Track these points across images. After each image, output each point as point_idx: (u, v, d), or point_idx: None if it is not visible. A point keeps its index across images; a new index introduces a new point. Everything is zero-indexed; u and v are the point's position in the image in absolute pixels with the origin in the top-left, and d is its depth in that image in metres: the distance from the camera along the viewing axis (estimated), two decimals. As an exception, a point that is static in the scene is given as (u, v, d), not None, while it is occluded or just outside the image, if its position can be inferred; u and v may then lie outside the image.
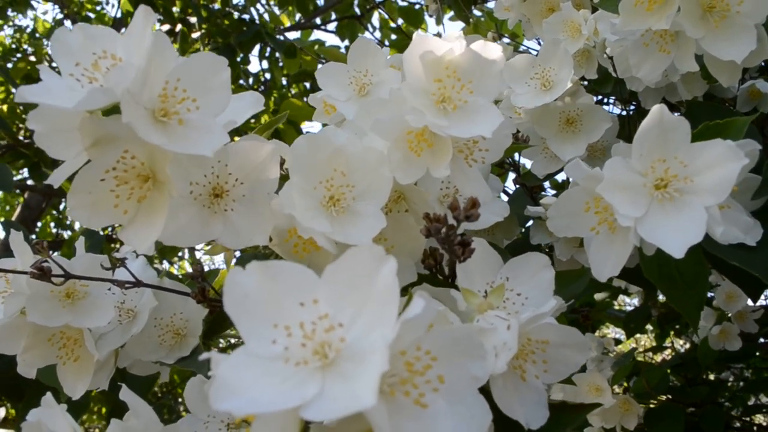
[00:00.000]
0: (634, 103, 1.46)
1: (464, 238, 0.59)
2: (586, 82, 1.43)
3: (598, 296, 2.36)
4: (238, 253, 0.95)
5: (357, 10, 4.65)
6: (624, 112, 1.46)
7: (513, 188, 1.41)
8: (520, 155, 1.29)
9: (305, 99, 1.08)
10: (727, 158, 0.66)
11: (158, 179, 0.66)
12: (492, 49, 0.67)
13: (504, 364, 0.56)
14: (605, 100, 1.75)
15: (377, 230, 0.68)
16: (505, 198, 1.47)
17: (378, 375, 0.39)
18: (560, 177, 1.74)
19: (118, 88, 0.58)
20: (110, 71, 0.58)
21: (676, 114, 0.74)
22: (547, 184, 2.02)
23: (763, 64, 1.39)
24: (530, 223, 1.23)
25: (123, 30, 0.69)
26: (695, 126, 0.83)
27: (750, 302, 1.77)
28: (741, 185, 0.84)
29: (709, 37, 0.89)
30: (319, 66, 1.04)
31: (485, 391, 0.59)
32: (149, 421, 0.73)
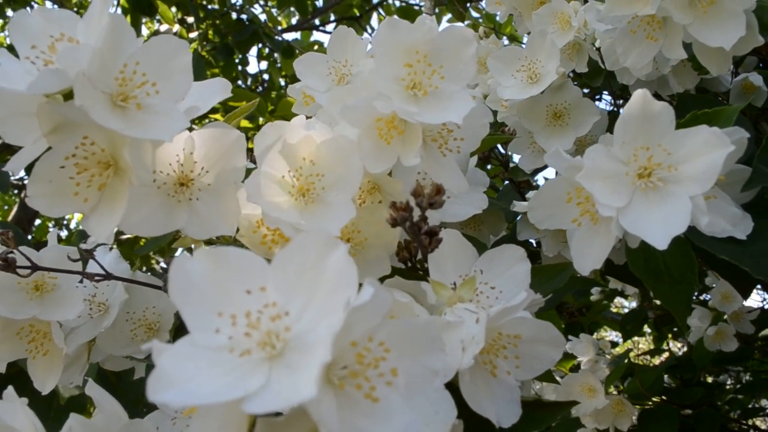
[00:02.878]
0: (625, 97, 1.43)
1: (431, 228, 0.57)
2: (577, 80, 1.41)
3: (594, 297, 2.33)
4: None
5: (356, 11, 4.64)
6: (615, 108, 1.44)
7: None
8: (505, 149, 1.27)
9: (288, 87, 1.06)
10: (713, 145, 0.64)
11: (119, 166, 0.64)
12: (464, 34, 0.65)
13: (470, 358, 0.54)
14: (597, 96, 1.73)
15: (347, 220, 0.65)
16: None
17: (319, 366, 0.37)
18: (551, 174, 1.71)
19: (72, 69, 0.56)
20: (63, 52, 0.56)
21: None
22: (541, 182, 2.00)
23: (761, 64, 1.37)
24: (518, 218, 1.20)
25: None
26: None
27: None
28: (730, 177, 0.81)
29: (697, 23, 0.86)
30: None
31: (454, 387, 0.57)
32: (113, 415, 0.71)
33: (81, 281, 0.86)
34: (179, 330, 0.86)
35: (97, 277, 0.82)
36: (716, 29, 0.84)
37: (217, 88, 0.69)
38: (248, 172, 0.69)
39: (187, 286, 0.45)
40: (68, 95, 0.63)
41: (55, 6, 5.26)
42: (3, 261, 0.75)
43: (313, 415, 0.39)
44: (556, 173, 0.77)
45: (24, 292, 0.80)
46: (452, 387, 0.54)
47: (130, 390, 1.13)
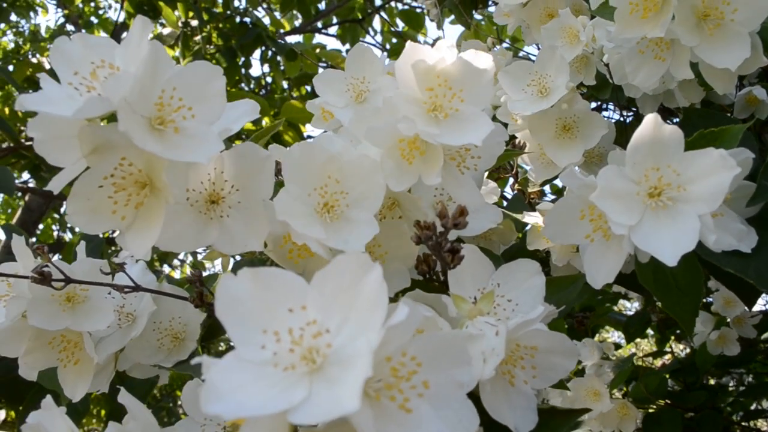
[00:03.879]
0: (632, 109, 1.46)
1: (453, 245, 0.60)
2: (585, 90, 1.44)
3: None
4: (238, 257, 0.96)
5: (358, 14, 4.68)
6: (622, 119, 1.47)
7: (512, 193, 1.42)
8: (515, 161, 1.30)
9: (306, 102, 1.09)
10: (720, 167, 0.67)
11: (155, 186, 0.67)
12: (483, 59, 0.68)
13: (492, 369, 0.57)
14: (604, 107, 1.76)
15: (370, 236, 0.68)
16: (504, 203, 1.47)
17: (361, 380, 0.40)
18: (561, 182, 1.74)
19: (115, 97, 0.59)
20: (107, 80, 0.59)
21: (672, 120, 0.75)
22: (548, 189, 2.03)
23: (762, 71, 1.40)
24: (528, 228, 1.23)
25: (125, 34, 0.70)
26: (691, 132, 0.84)
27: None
28: (736, 192, 0.84)
29: (704, 45, 0.89)
30: (319, 70, 1.04)
31: (475, 395, 0.60)
32: (147, 424, 0.74)
33: (109, 292, 0.89)
34: (205, 339, 0.90)
35: (126, 289, 0.86)
36: (722, 51, 0.87)
37: (247, 109, 0.72)
38: (276, 187, 0.72)
39: (233, 304, 0.48)
40: (107, 118, 0.66)
41: (59, 10, 5.30)
42: (39, 274, 0.78)
43: (354, 425, 0.42)
44: (568, 189, 0.80)
45: (57, 303, 0.84)
46: (472, 396, 0.57)
47: (133, 392, 1.16)
